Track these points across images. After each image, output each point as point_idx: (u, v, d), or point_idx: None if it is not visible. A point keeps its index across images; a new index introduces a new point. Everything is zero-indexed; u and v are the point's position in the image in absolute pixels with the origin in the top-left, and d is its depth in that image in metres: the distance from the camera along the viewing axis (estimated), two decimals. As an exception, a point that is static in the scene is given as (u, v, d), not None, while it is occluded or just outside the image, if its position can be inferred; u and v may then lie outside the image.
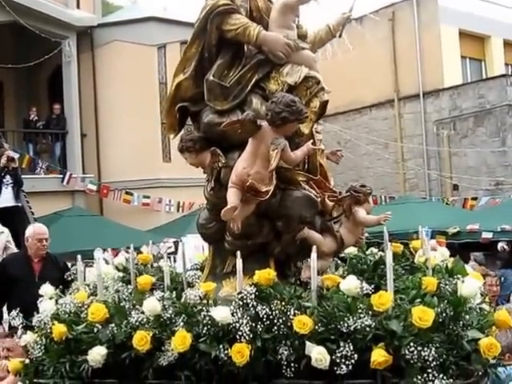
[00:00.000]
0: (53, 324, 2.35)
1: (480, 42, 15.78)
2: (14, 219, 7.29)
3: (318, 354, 2.02)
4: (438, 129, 15.01)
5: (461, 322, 2.15)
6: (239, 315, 2.14)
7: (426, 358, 2.02)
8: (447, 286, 2.35)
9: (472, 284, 2.28)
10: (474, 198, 13.05)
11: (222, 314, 2.13)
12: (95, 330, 2.30)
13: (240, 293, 2.24)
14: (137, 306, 2.31)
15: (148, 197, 13.00)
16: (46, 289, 2.71)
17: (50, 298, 2.66)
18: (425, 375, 2.01)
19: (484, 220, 10.43)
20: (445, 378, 1.99)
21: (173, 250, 10.96)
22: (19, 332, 2.48)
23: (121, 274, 2.97)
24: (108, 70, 13.35)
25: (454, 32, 15.18)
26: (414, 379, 2.02)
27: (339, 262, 3.07)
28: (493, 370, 2.16)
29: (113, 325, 2.26)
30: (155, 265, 3.19)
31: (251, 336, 2.10)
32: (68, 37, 12.92)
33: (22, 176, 8.38)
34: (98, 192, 12.87)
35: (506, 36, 15.71)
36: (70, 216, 10.87)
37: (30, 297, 4.75)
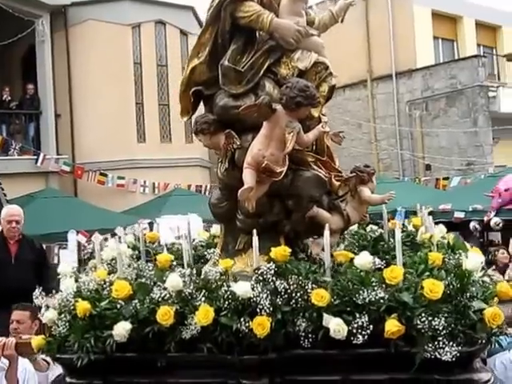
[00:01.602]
0: (76, 301, 2.41)
1: (452, 22, 16.07)
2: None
3: (337, 325, 2.15)
4: (411, 109, 15.30)
5: (466, 294, 2.31)
6: (259, 289, 2.25)
7: (437, 327, 2.17)
8: (451, 261, 2.52)
9: (475, 258, 2.44)
10: (446, 178, 13.42)
11: (243, 288, 2.24)
12: (118, 306, 2.38)
13: (258, 268, 2.34)
14: (158, 283, 2.39)
15: (123, 178, 12.94)
16: (64, 268, 2.77)
17: (70, 277, 2.74)
18: (435, 343, 2.16)
19: (456, 200, 10.74)
20: (454, 345, 2.14)
21: (148, 231, 10.98)
22: (42, 309, 2.54)
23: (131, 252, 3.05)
24: (82, 49, 13.14)
25: (426, 12, 15.41)
26: (425, 347, 2.17)
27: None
28: (496, 338, 2.32)
29: (136, 301, 2.33)
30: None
31: (271, 309, 2.22)
32: (41, 16, 12.66)
33: (-5, 157, 8.26)
34: (72, 173, 12.74)
35: (477, 17, 16.03)
36: (44, 197, 10.72)
37: (7, 278, 4.81)
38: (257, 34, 2.83)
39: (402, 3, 15.25)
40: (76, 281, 2.57)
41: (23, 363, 3.56)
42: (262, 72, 2.73)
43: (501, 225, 10.41)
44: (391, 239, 3.13)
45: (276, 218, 2.83)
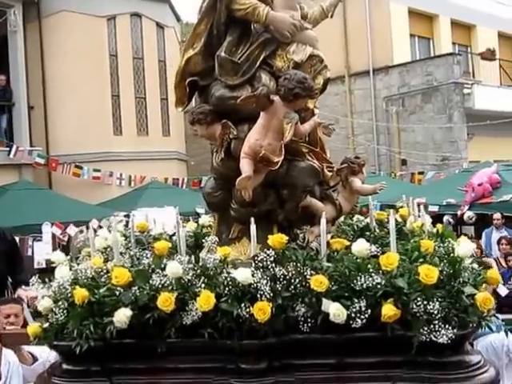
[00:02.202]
0: (73, 289, 2.41)
1: (428, 20, 16.31)
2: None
3: (336, 310, 2.21)
4: (387, 105, 15.49)
5: (459, 280, 2.39)
6: (259, 276, 2.29)
7: (431, 311, 2.24)
8: (441, 248, 2.60)
9: (466, 245, 2.53)
10: (421, 173, 13.65)
11: (243, 274, 2.27)
12: (117, 293, 2.39)
13: (257, 255, 2.39)
14: (157, 270, 2.41)
15: (98, 170, 12.83)
16: (58, 256, 2.77)
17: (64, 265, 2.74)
18: (431, 326, 2.23)
19: (430, 194, 10.93)
20: (450, 328, 2.22)
21: (124, 223, 10.93)
22: (39, 297, 2.53)
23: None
24: (56, 40, 12.95)
25: (403, 10, 15.61)
26: (421, 330, 2.25)
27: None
28: (486, 321, 2.40)
29: (136, 287, 2.35)
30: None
31: (271, 295, 2.26)
32: (13, 6, 12.39)
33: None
34: (46, 165, 12.55)
35: (453, 15, 16.29)
36: (17, 190, 10.56)
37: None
38: (252, 27, 2.86)
39: (379, 1, 15.41)
40: (71, 269, 2.57)
41: (7, 355, 3.54)
42: (257, 64, 2.77)
43: (474, 219, 10.66)
44: (376, 229, 3.22)
45: (270, 208, 2.88)
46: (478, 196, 10.82)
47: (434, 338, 2.24)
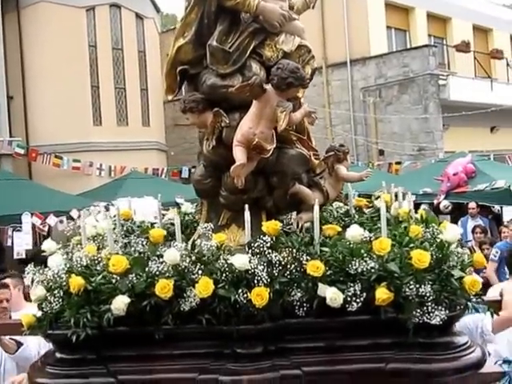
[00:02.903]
0: (68, 277, 2.41)
1: (405, 13, 16.50)
2: None
3: (333, 294, 2.26)
4: (365, 96, 15.64)
5: (448, 263, 2.46)
6: (256, 262, 2.33)
7: (423, 293, 2.31)
8: (427, 234, 2.67)
9: (454, 230, 2.60)
10: (398, 163, 13.86)
11: (240, 260, 2.31)
12: (113, 280, 2.40)
13: (253, 241, 2.42)
14: (153, 257, 2.43)
15: (78, 161, 12.78)
16: (49, 245, 2.76)
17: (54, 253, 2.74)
18: (424, 308, 2.30)
19: (407, 183, 11.08)
20: (442, 310, 2.30)
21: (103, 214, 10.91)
22: (33, 287, 2.53)
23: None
24: (35, 31, 12.82)
25: (380, 3, 15.76)
26: (413, 312, 2.32)
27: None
28: (473, 303, 2.49)
29: (133, 275, 2.36)
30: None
31: (269, 280, 2.30)
32: (-8, -4, 12.23)
33: None
34: (26, 156, 12.45)
35: (429, 8, 16.52)
36: (-3, 180, 10.45)
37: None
38: (241, 16, 2.88)
39: (357, -7, 15.52)
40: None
41: None
42: (248, 53, 2.79)
43: (450, 208, 10.89)
44: (356, 215, 3.28)
45: (259, 195, 2.91)
46: (453, 185, 11.03)
47: (426, 320, 2.31)
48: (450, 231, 2.60)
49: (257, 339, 2.40)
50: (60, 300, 2.41)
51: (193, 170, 16.21)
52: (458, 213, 11.15)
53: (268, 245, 2.38)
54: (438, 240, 2.56)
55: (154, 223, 3.31)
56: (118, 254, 2.53)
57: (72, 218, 9.96)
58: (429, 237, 2.64)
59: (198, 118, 2.81)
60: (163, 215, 3.36)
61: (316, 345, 2.44)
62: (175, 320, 2.37)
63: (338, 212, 3.34)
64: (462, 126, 14.03)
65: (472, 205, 10.55)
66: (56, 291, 2.41)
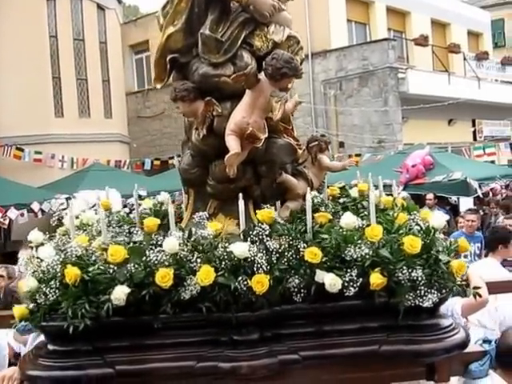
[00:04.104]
0: (63, 268, 2.38)
1: (365, 6, 16.76)
2: None
3: (332, 280, 2.32)
4: (325, 88, 15.83)
5: (436, 248, 2.56)
6: (255, 249, 2.36)
7: (415, 278, 2.41)
8: (411, 220, 2.77)
9: (440, 217, 2.71)
10: (358, 155, 14.10)
11: (240, 248, 2.34)
12: (110, 270, 2.38)
13: (251, 230, 2.46)
14: (150, 246, 2.43)
15: (40, 153, 12.53)
16: (36, 236, 2.71)
17: (41, 244, 2.70)
18: (416, 292, 2.40)
19: (367, 175, 11.34)
20: (435, 293, 2.39)
21: (65, 206, 10.77)
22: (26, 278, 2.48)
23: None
24: (-6, 21, 12.39)
25: (340, -4, 15.94)
26: (406, 296, 2.41)
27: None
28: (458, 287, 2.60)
29: (131, 264, 2.35)
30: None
31: (268, 267, 2.34)
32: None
33: None
34: (-15, 148, 12.13)
35: (388, 2, 16.84)
36: (-44, 173, 10.14)
37: None
38: (230, 5, 2.89)
39: (318, -14, 15.64)
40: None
41: None
42: (239, 43, 2.80)
43: (408, 199, 11.18)
44: (330, 204, 3.35)
45: (247, 184, 2.94)
46: (411, 177, 11.33)
47: (418, 303, 2.41)
48: (436, 218, 2.70)
49: (254, 326, 2.44)
50: (56, 291, 2.37)
51: (156, 162, 16.13)
52: (416, 204, 11.45)
53: (266, 233, 2.41)
54: (425, 226, 2.67)
55: (129, 213, 3.31)
56: (111, 244, 2.51)
57: (33, 211, 9.77)
58: (414, 223, 2.74)
59: (189, 107, 2.80)
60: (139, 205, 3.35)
61: (311, 330, 2.49)
62: (174, 309, 2.38)
63: (313, 201, 3.40)
64: (421, 119, 14.41)
65: (430, 196, 10.87)
66: (52, 282, 2.37)
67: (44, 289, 2.38)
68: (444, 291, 2.57)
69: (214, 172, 2.89)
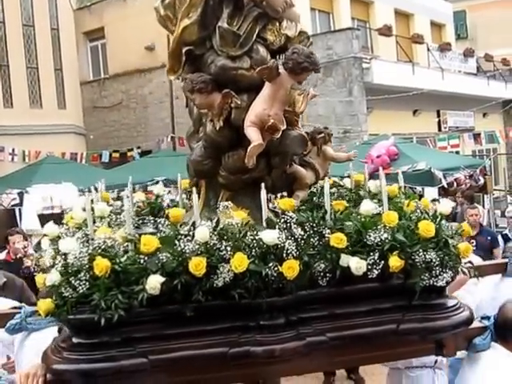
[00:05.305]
0: (91, 260, 2.41)
1: (328, -5, 16.90)
2: None
3: (358, 263, 2.46)
4: (290, 78, 15.88)
5: (444, 232, 2.73)
6: (284, 236, 2.46)
7: (430, 260, 2.57)
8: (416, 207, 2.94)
9: (446, 203, 2.88)
10: (324, 145, 14.25)
11: (270, 236, 2.43)
12: (141, 261, 2.43)
13: (271, 219, 2.56)
14: (180, 236, 2.49)
15: (-12, 145, 12.11)
16: (51, 228, 2.73)
17: (58, 238, 2.72)
18: (432, 273, 2.56)
19: (333, 166, 11.51)
20: (448, 273, 2.57)
21: (17, 201, 10.53)
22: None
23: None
24: None
25: (304, -15, 16.01)
26: (422, 276, 2.57)
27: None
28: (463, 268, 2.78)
29: (164, 254, 2.41)
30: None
31: (297, 253, 2.45)
32: None
33: None
34: None
35: (352, -9, 17.01)
36: None
37: None
38: (244, 1, 2.96)
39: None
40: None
41: None
42: (254, 37, 2.88)
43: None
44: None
45: (260, 175, 3.03)
46: (376, 168, 11.56)
47: (433, 283, 2.57)
48: (443, 204, 2.88)
49: (281, 310, 2.54)
50: (86, 283, 2.39)
51: (115, 155, 15.76)
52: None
53: (294, 220, 2.51)
54: (432, 212, 2.83)
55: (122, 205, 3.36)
56: (135, 235, 2.55)
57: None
58: (419, 210, 2.91)
59: (206, 99, 2.85)
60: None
61: (334, 312, 2.62)
62: (206, 297, 2.44)
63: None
64: (386, 109, 14.72)
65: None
66: (81, 274, 2.39)
67: (73, 282, 2.40)
68: (452, 272, 2.75)
69: (227, 163, 2.97)
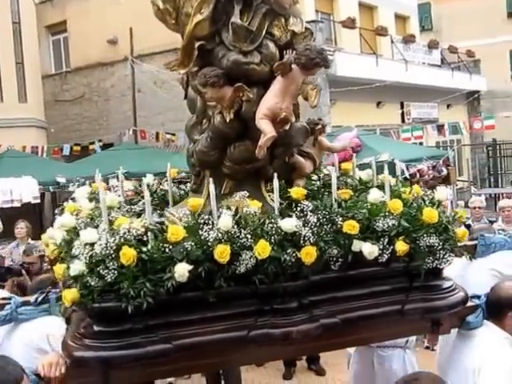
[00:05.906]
0: (117, 249, 2.47)
1: (292, -12, 16.95)
2: None
3: (370, 248, 2.62)
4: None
5: (442, 218, 2.93)
6: (301, 224, 2.60)
7: (433, 244, 2.76)
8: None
9: (443, 191, 3.08)
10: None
11: (289, 223, 2.56)
12: (166, 249, 2.51)
13: (283, 207, 2.70)
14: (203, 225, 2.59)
15: None
16: (68, 220, 2.77)
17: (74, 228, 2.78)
18: (436, 255, 2.75)
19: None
20: (450, 256, 2.77)
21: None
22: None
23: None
24: None
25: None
26: (426, 259, 2.76)
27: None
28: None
29: (189, 242, 2.50)
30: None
31: (314, 240, 2.59)
32: None
33: None
34: None
35: (317, -17, 17.11)
36: None
37: None
38: None
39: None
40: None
41: None
42: (264, 32, 2.99)
43: (337, 181, 11.74)
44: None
45: (262, 164, 3.16)
46: (339, 159, 11.82)
47: (436, 265, 2.77)
48: (440, 192, 3.08)
49: (294, 295, 2.68)
50: (114, 272, 2.46)
51: (76, 148, 15.49)
52: (345, 185, 12.05)
53: (310, 208, 2.65)
54: (430, 199, 3.03)
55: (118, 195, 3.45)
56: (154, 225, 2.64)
57: None
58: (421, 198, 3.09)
59: (217, 93, 2.95)
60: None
61: (344, 295, 2.79)
62: (227, 283, 2.55)
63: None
64: (349, 101, 14.99)
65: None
66: (110, 263, 2.46)
67: (101, 271, 2.46)
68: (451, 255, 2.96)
69: (232, 153, 3.08)
